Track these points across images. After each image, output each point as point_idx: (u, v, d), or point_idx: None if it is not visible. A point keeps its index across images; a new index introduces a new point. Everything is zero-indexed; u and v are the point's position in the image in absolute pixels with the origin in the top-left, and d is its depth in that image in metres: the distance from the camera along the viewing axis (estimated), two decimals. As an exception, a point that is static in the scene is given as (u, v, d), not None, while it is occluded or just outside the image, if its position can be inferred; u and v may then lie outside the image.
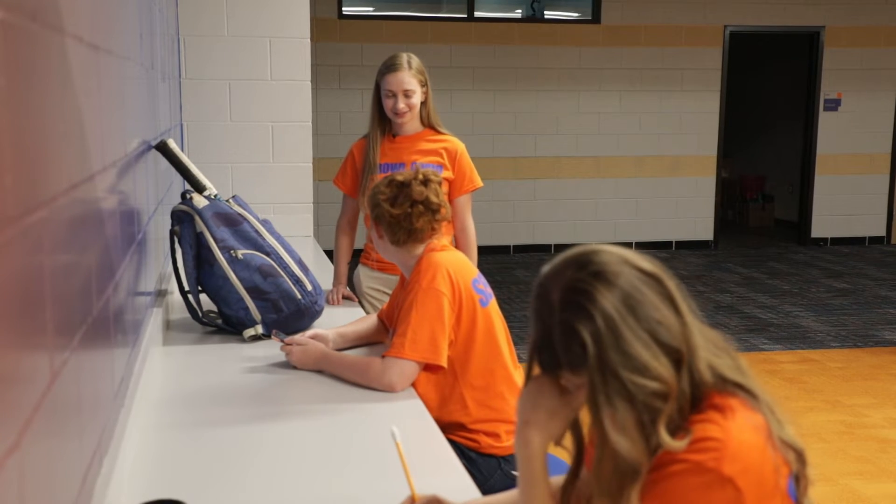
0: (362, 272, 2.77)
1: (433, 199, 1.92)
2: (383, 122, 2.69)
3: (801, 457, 1.01)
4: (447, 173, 2.67)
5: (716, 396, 1.01)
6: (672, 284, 1.03)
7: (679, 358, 0.99)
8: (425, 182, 1.93)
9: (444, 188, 2.62)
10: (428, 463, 1.55)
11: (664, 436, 0.97)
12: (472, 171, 2.74)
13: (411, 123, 2.68)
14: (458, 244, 2.73)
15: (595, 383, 0.98)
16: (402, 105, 2.61)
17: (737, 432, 0.97)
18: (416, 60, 2.68)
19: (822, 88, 8.27)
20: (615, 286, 0.99)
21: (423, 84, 2.67)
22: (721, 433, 0.96)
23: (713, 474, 0.94)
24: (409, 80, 2.62)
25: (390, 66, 2.64)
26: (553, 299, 1.01)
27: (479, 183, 2.76)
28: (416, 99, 2.64)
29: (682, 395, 0.99)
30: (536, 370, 1.08)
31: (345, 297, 2.67)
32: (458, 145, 2.73)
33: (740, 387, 1.02)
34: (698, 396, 1.01)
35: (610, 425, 0.98)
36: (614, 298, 0.99)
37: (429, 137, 2.71)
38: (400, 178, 1.95)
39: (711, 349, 1.04)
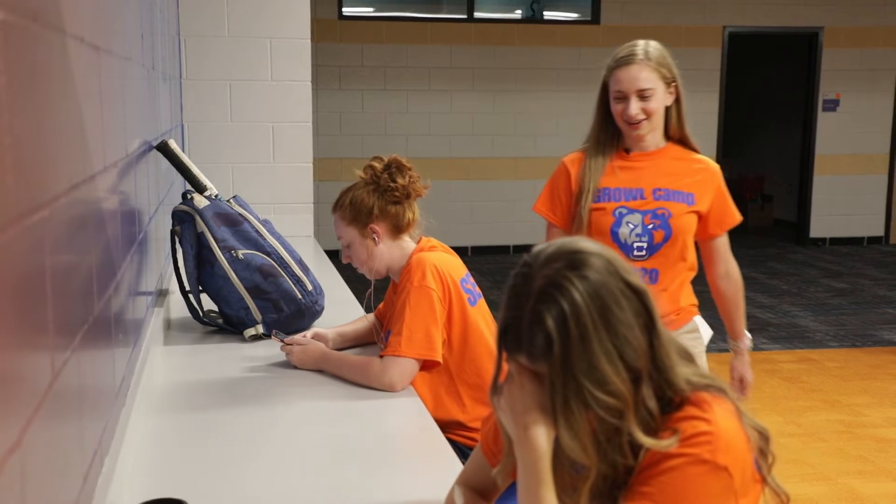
0: None
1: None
2: (610, 133, 2.04)
3: (763, 435, 1.06)
4: (701, 205, 2.04)
5: (689, 395, 1.05)
6: (653, 303, 1.03)
7: (638, 377, 1.01)
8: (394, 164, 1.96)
9: (692, 224, 2.03)
10: (428, 462, 1.56)
11: (647, 440, 1.00)
12: (731, 202, 2.14)
13: (652, 135, 2.02)
14: (719, 295, 2.15)
15: (555, 384, 1.00)
16: (634, 110, 1.96)
17: (723, 423, 1.01)
18: (657, 49, 2.00)
19: (821, 89, 8.28)
20: (597, 296, 1.00)
21: (669, 81, 2.01)
22: (709, 427, 1.01)
23: (710, 465, 1.00)
24: (647, 75, 1.96)
25: (621, 60, 2.00)
26: (534, 286, 1.01)
27: (739, 217, 2.16)
28: (657, 102, 1.99)
29: (644, 409, 1.01)
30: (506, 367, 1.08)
31: None
32: (716, 169, 2.10)
33: (709, 386, 1.06)
34: (677, 403, 1.04)
35: (563, 427, 1.00)
36: (593, 308, 0.99)
37: (676, 155, 2.06)
38: (374, 167, 1.96)
39: (682, 362, 1.06)
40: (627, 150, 2.05)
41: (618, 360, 0.99)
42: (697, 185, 2.04)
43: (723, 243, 2.14)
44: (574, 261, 1.02)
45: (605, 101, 2.03)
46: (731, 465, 1.00)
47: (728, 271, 2.15)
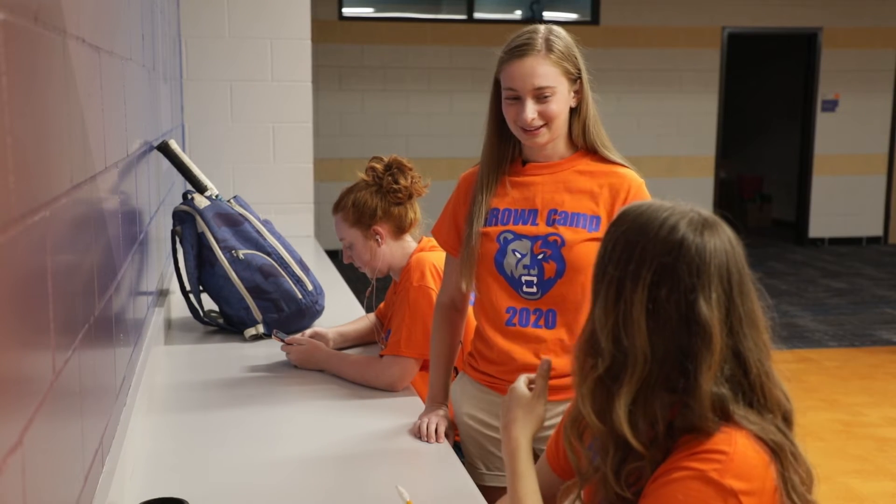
0: (461, 387, 1.73)
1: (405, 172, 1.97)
2: (505, 140, 1.64)
3: None
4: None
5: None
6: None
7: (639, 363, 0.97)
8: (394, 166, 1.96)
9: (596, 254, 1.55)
10: (428, 462, 1.56)
11: (622, 414, 0.95)
12: None
13: (553, 145, 1.61)
14: None
15: (624, 285, 0.97)
16: (531, 114, 1.54)
17: (742, 449, 0.94)
18: (560, 38, 1.59)
19: (820, 89, 8.28)
20: (683, 262, 0.96)
21: (574, 77, 1.59)
22: (727, 447, 0.94)
23: (715, 485, 0.92)
24: (547, 70, 1.54)
25: (514, 50, 1.57)
26: (671, 222, 0.98)
27: None
28: (559, 103, 1.56)
29: (645, 415, 0.97)
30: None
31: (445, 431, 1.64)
32: (631, 181, 1.61)
33: (772, 442, 0.97)
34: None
35: (601, 304, 0.99)
36: (663, 264, 0.96)
37: (584, 168, 1.63)
38: (375, 168, 1.96)
39: (756, 418, 0.98)
40: (525, 162, 1.65)
41: (644, 321, 0.95)
42: (605, 204, 1.59)
43: None
44: (719, 229, 1.00)
45: (498, 104, 1.62)
46: (743, 493, 0.92)
47: None
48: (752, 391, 0.99)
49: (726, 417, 0.96)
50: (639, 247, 0.97)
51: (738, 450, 0.93)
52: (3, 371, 0.67)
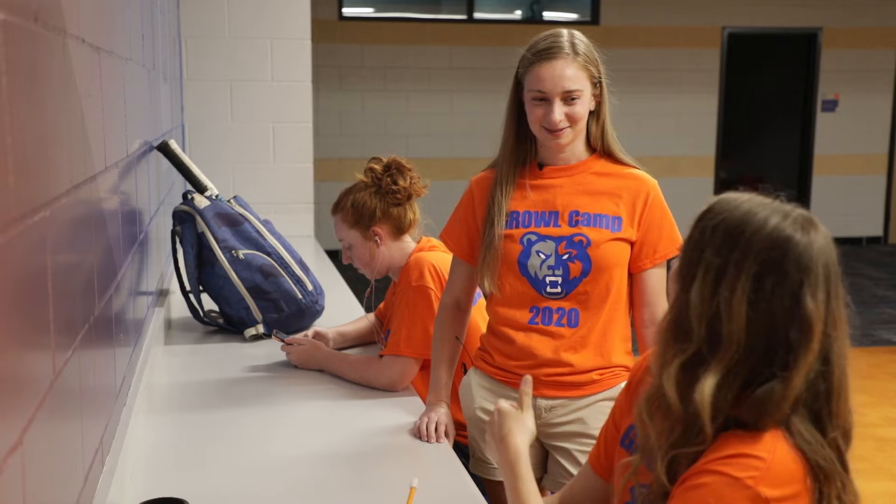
0: (474, 381, 1.73)
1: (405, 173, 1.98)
2: (522, 143, 1.65)
3: None
4: (629, 231, 1.63)
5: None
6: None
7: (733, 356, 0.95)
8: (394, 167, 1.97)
9: (621, 255, 1.62)
10: (428, 462, 1.56)
11: (706, 394, 0.94)
12: (670, 226, 1.65)
13: (572, 146, 1.64)
14: (642, 348, 1.62)
15: (726, 271, 0.97)
16: (559, 115, 1.57)
17: (781, 456, 0.93)
18: (583, 42, 1.62)
19: (820, 89, 8.28)
20: (796, 256, 0.95)
21: (596, 81, 1.63)
22: (764, 453, 0.93)
23: (750, 492, 0.91)
24: (575, 73, 1.58)
25: (543, 53, 1.59)
26: (758, 216, 0.98)
27: (678, 244, 1.61)
28: (584, 106, 1.60)
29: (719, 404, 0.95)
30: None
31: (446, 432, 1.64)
32: (650, 183, 1.67)
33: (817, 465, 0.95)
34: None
35: (698, 286, 0.98)
36: (771, 258, 0.95)
37: (601, 170, 1.66)
38: (374, 169, 1.96)
39: (811, 432, 0.96)
40: (541, 165, 1.66)
41: (744, 310, 0.94)
42: (625, 206, 1.63)
43: (654, 281, 1.64)
44: (806, 222, 0.99)
45: (517, 105, 1.64)
46: (776, 500, 0.91)
47: (655, 319, 1.60)
48: (829, 396, 0.97)
49: (788, 422, 0.95)
50: (743, 237, 0.97)
51: (776, 457, 0.93)
52: (3, 371, 0.67)
